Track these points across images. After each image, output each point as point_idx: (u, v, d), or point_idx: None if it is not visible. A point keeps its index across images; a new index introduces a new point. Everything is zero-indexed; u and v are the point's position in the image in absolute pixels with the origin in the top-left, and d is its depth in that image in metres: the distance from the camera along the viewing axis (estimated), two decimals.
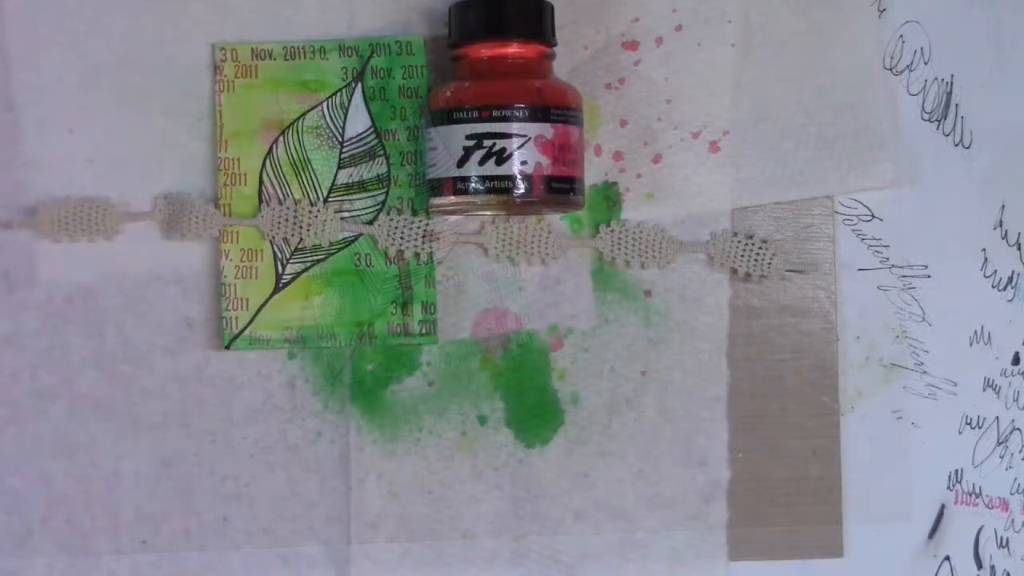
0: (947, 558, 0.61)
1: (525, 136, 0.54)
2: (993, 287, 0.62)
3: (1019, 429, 0.62)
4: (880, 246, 0.61)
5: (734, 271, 0.60)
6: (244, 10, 0.59)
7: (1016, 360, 0.62)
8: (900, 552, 0.61)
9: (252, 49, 0.59)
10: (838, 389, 0.61)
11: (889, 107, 0.61)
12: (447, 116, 0.55)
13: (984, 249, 0.61)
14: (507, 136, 0.54)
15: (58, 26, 0.58)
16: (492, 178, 0.54)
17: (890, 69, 0.61)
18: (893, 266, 0.61)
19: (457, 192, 0.55)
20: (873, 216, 0.61)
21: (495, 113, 0.54)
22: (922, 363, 0.61)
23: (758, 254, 0.60)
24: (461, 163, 0.54)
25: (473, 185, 0.54)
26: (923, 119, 0.61)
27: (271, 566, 0.59)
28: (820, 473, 0.60)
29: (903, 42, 0.61)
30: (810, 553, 0.60)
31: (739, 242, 0.60)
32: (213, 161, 0.59)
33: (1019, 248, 0.62)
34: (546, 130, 0.54)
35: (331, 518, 0.59)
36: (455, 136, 0.54)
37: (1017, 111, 0.62)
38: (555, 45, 0.57)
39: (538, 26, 0.56)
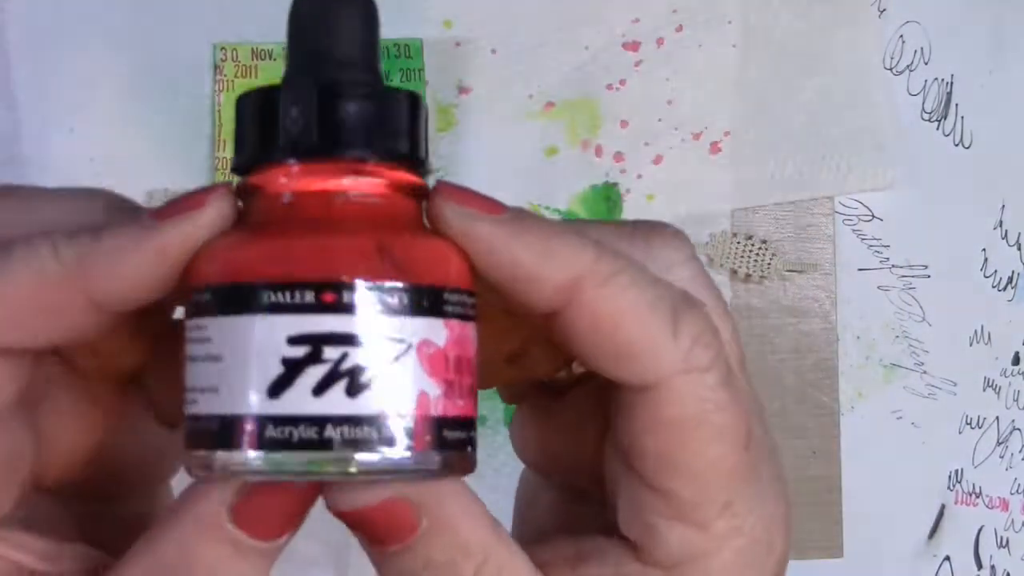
0: (947, 558, 0.61)
1: (402, 342, 0.28)
2: (993, 287, 0.62)
3: (1019, 429, 0.62)
4: (880, 246, 0.61)
5: (734, 272, 0.60)
6: (244, 10, 0.59)
7: (1016, 360, 0.62)
8: (900, 552, 0.61)
9: (252, 49, 0.59)
10: (838, 389, 0.61)
11: (889, 107, 0.61)
12: (249, 300, 0.28)
13: (984, 249, 0.61)
14: (368, 341, 0.27)
15: (58, 26, 0.58)
16: (340, 420, 0.27)
17: (890, 69, 0.61)
18: (893, 266, 0.61)
19: (267, 446, 0.27)
20: (873, 216, 0.61)
21: (347, 297, 0.27)
22: (922, 363, 0.61)
23: (758, 254, 0.60)
24: (277, 390, 0.27)
25: (303, 433, 0.27)
26: (923, 119, 0.61)
27: (275, 566, 0.59)
28: (820, 473, 0.60)
29: (903, 42, 0.61)
30: (810, 553, 0.60)
31: (739, 243, 0.60)
32: (213, 161, 0.59)
33: (1019, 248, 0.62)
34: (436, 331, 0.28)
35: (331, 518, 0.59)
36: (264, 338, 0.27)
37: (1017, 111, 0.62)
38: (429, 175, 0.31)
39: (410, 139, 0.30)
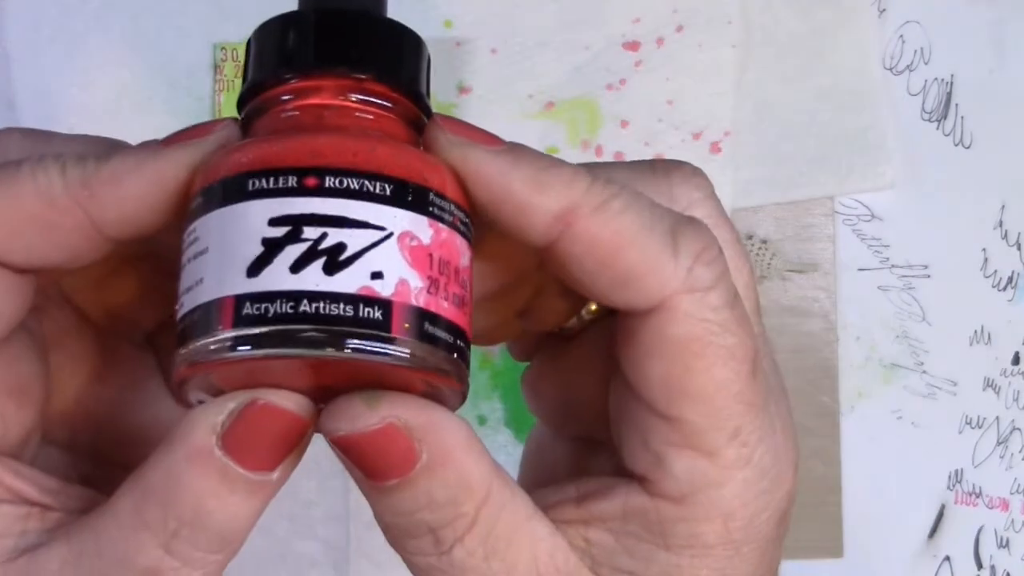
0: (947, 558, 0.61)
1: (383, 229, 0.27)
2: (993, 287, 0.62)
3: (1019, 429, 0.61)
4: (880, 246, 0.61)
5: None
6: (244, 10, 0.59)
7: (1016, 360, 0.62)
8: (900, 552, 0.61)
9: None
10: (838, 389, 0.61)
11: (889, 107, 0.61)
12: (235, 190, 0.28)
13: (984, 249, 0.61)
14: (348, 223, 0.27)
15: (58, 26, 0.58)
16: (316, 296, 0.27)
17: (890, 69, 0.61)
18: (893, 266, 0.61)
19: (243, 323, 0.27)
20: (873, 216, 0.61)
21: (330, 182, 0.27)
22: (922, 363, 0.61)
23: (758, 254, 0.60)
24: (256, 269, 0.27)
25: (279, 308, 0.27)
26: (923, 119, 0.61)
27: (270, 566, 0.59)
28: (820, 473, 0.60)
29: (903, 42, 0.61)
30: (810, 553, 0.60)
31: None
32: None
33: (1019, 248, 0.62)
34: (420, 227, 0.28)
35: (330, 518, 0.59)
36: (246, 222, 0.27)
37: (1017, 111, 0.61)
38: (430, 112, 0.32)
39: (410, 71, 0.32)
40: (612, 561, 0.30)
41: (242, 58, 0.58)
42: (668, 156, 0.59)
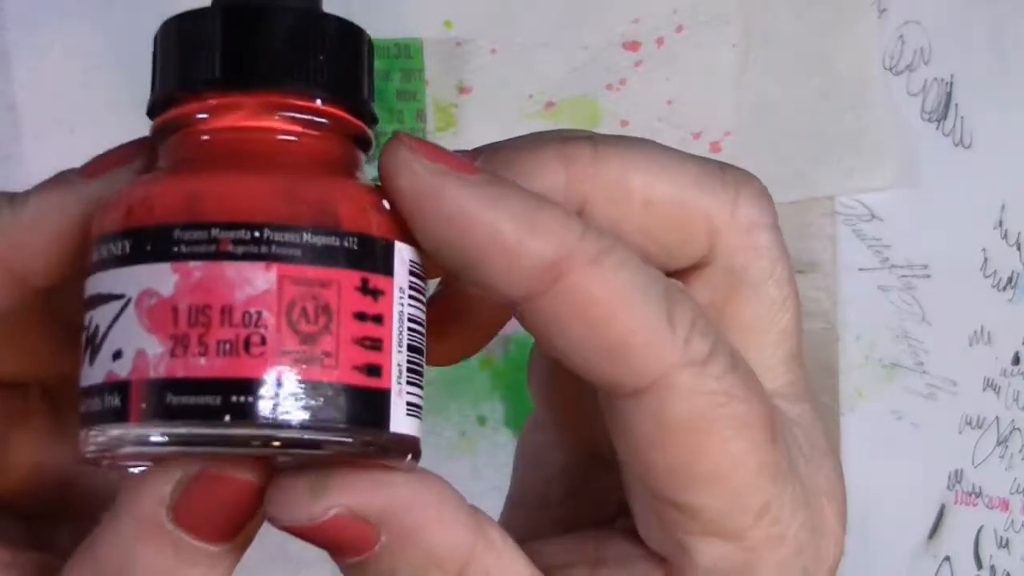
0: (947, 558, 0.61)
1: (122, 296, 0.24)
2: (993, 287, 0.62)
3: (1019, 429, 0.61)
4: (880, 246, 0.61)
5: None
6: None
7: (1016, 360, 0.62)
8: (900, 552, 0.61)
9: None
10: (838, 389, 0.61)
11: (889, 107, 0.61)
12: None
13: (984, 249, 0.61)
14: (98, 301, 0.24)
15: (58, 26, 0.58)
16: (82, 393, 0.25)
17: (890, 69, 0.61)
18: (893, 266, 0.61)
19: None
20: (873, 216, 0.61)
21: (94, 253, 0.25)
22: (922, 363, 0.61)
23: None
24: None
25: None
26: (923, 119, 0.61)
27: (270, 566, 0.59)
28: None
29: (903, 42, 0.61)
30: None
31: None
32: None
33: (1019, 248, 0.62)
34: (160, 278, 0.23)
35: None
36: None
37: (1017, 111, 0.61)
38: (375, 119, 0.29)
39: (353, 70, 0.28)
40: None
41: None
42: None
